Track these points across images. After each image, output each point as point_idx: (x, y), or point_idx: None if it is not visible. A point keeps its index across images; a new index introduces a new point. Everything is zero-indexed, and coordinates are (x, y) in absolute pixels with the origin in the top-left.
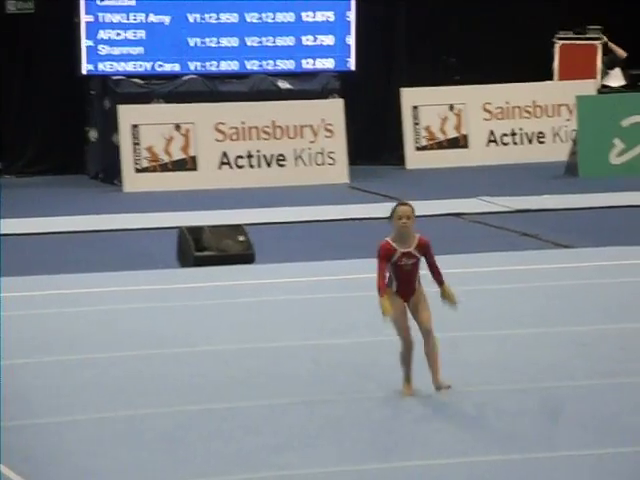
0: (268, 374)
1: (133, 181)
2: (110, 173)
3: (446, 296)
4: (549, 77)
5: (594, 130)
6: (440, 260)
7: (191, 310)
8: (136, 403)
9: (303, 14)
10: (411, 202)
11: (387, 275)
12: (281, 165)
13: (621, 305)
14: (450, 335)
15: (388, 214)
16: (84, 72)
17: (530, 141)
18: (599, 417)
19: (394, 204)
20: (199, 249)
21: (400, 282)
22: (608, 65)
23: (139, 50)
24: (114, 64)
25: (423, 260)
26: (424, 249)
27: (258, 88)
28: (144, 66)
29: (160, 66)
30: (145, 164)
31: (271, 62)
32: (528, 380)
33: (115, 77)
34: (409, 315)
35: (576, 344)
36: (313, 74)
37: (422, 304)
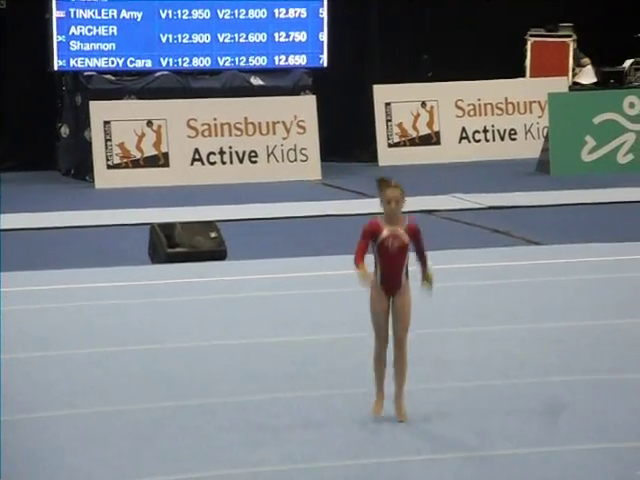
0: (241, 371)
1: (105, 177)
2: (82, 169)
3: (426, 278)
4: (521, 74)
5: (566, 127)
6: (413, 257)
7: (163, 307)
8: (108, 400)
9: (276, 10)
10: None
11: (366, 251)
12: (253, 161)
13: (593, 302)
14: (422, 332)
15: (377, 193)
16: (55, 68)
17: (502, 138)
18: (573, 414)
19: (380, 182)
20: (171, 245)
21: (385, 268)
22: (578, 63)
23: (111, 46)
24: (86, 60)
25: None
26: (413, 234)
27: (230, 84)
28: (116, 62)
29: (132, 62)
30: (117, 160)
31: (243, 58)
32: (501, 377)
33: (87, 73)
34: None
35: (549, 340)
36: (285, 70)
37: (404, 310)
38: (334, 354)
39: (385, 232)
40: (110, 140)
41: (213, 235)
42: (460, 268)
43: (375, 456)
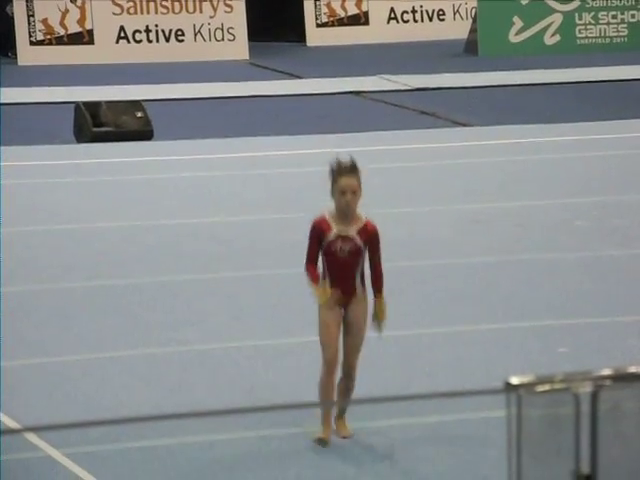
0: (167, 251)
1: (28, 54)
2: (4, 45)
3: (378, 312)
4: None
5: (494, 8)
6: (340, 139)
7: (90, 186)
8: (34, 278)
9: None
10: (312, 80)
11: (318, 257)
12: (180, 40)
13: (517, 182)
14: None
15: (328, 175)
16: None
17: (430, 19)
18: (496, 293)
19: (333, 164)
20: (96, 125)
21: (333, 276)
22: None
23: None
24: None
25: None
26: (370, 237)
27: None
28: None
29: None
30: (40, 37)
31: None
32: (425, 258)
33: None
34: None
35: (473, 222)
36: None
37: (358, 324)
38: (259, 234)
39: (333, 234)
40: (33, 16)
41: (139, 115)
42: (386, 150)
43: (297, 335)
